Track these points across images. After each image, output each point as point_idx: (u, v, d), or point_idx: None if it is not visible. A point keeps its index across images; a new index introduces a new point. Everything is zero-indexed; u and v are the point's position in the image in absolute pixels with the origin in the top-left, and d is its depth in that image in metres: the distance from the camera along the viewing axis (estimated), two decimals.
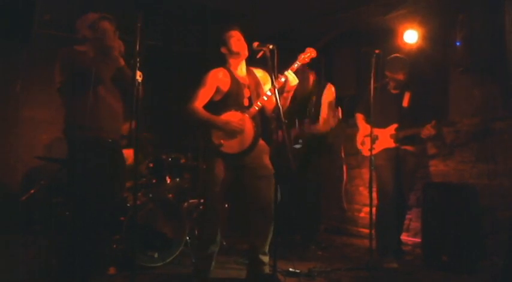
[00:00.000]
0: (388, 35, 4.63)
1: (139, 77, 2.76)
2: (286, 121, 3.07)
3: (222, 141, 3.28)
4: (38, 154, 4.57)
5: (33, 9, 3.80)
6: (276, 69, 3.12)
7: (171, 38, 5.57)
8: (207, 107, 3.35)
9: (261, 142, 3.42)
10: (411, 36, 4.42)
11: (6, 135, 5.04)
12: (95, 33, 3.06)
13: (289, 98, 3.40)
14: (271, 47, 3.13)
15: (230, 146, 3.29)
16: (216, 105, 3.36)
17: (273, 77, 3.08)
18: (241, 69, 3.46)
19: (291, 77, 3.28)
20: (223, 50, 3.43)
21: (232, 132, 3.27)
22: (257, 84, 3.46)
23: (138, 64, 2.68)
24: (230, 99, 3.36)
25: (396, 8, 4.66)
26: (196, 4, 5.21)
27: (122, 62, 3.07)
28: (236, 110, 3.33)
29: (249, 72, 3.48)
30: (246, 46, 3.37)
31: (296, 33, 5.50)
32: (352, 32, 5.36)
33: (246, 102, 3.39)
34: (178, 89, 5.91)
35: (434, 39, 4.49)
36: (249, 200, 3.38)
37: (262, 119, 3.47)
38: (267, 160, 3.39)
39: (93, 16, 3.10)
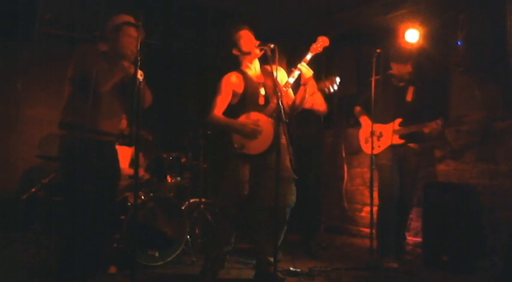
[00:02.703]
0: (389, 35, 4.62)
1: (141, 76, 2.75)
2: (287, 121, 3.06)
3: (243, 143, 3.26)
4: (38, 153, 4.57)
5: (34, 8, 3.80)
6: (276, 68, 3.12)
7: (171, 37, 5.57)
8: (227, 111, 3.34)
9: (284, 142, 3.33)
10: (412, 36, 4.41)
11: (6, 133, 5.04)
12: (115, 37, 3.03)
13: (307, 90, 3.36)
14: (272, 46, 3.13)
15: (252, 148, 3.26)
16: (235, 108, 3.36)
17: (274, 76, 3.08)
18: (255, 68, 3.44)
19: (304, 69, 3.25)
20: (234, 51, 3.40)
21: (250, 134, 3.25)
22: (273, 82, 3.43)
23: (139, 63, 2.67)
24: (247, 100, 3.34)
25: (397, 8, 4.65)
26: (197, 4, 5.21)
27: (132, 71, 3.02)
28: (253, 110, 3.31)
29: (264, 70, 3.45)
30: (256, 44, 3.31)
31: (296, 33, 5.50)
32: (353, 31, 5.36)
33: (261, 101, 3.36)
34: (178, 88, 5.95)
35: (435, 39, 4.49)
36: (265, 202, 3.29)
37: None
38: (287, 162, 3.33)
39: (122, 19, 3.07)
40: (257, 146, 3.26)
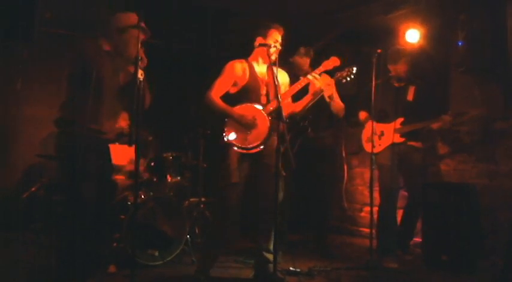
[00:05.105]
0: (389, 35, 4.62)
1: (141, 75, 2.75)
2: (287, 120, 3.07)
3: (234, 132, 3.30)
4: (38, 152, 4.57)
5: (34, 8, 3.80)
6: (276, 67, 3.13)
7: (171, 37, 5.57)
8: (224, 98, 3.37)
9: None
10: (412, 36, 4.41)
11: (6, 132, 5.04)
12: (120, 38, 2.98)
13: (313, 100, 3.46)
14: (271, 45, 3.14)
15: (241, 139, 3.30)
16: (232, 98, 3.37)
17: (274, 76, 3.09)
18: (263, 66, 3.47)
19: (314, 80, 3.36)
20: (258, 39, 3.40)
21: (245, 126, 3.28)
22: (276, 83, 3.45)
23: (139, 63, 2.67)
24: (246, 93, 3.37)
25: (397, 8, 4.65)
26: (197, 4, 5.21)
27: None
28: (253, 104, 3.34)
29: (270, 71, 3.44)
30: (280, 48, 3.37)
31: (296, 33, 5.49)
32: (353, 31, 5.36)
33: (263, 100, 3.40)
34: (178, 88, 5.94)
35: (436, 38, 4.49)
36: (257, 200, 3.35)
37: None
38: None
39: (127, 20, 2.99)
40: (248, 140, 3.29)
